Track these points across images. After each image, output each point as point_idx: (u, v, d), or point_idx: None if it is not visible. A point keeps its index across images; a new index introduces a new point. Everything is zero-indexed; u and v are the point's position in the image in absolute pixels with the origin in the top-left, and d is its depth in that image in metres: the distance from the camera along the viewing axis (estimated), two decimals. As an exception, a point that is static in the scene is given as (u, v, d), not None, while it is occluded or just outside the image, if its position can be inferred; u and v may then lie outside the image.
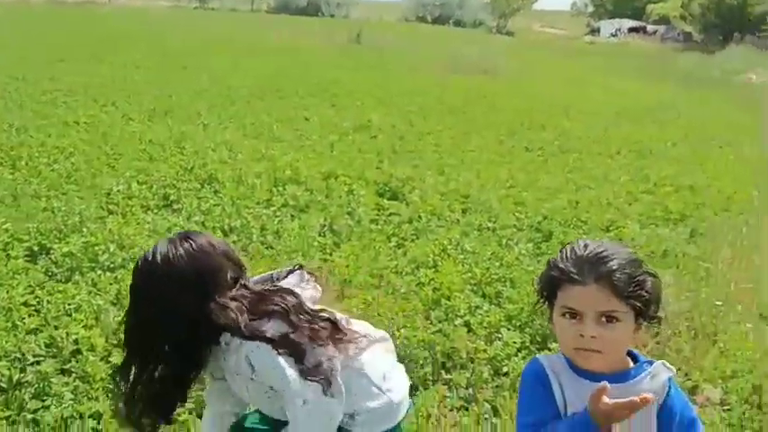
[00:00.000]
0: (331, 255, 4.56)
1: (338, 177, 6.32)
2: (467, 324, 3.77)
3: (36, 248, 4.19)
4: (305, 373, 1.79)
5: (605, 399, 1.32)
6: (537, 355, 1.61)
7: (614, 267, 1.41)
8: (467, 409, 3.13)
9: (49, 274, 3.86)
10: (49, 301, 3.42)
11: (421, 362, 3.42)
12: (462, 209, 5.78)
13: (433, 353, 3.49)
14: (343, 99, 11.47)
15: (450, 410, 3.16)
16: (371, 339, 2.02)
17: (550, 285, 1.49)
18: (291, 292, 1.92)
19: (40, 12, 28.29)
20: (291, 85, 12.57)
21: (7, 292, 3.48)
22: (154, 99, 10.08)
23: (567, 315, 1.44)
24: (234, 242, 4.53)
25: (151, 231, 4.53)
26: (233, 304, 1.82)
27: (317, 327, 1.86)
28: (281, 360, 1.79)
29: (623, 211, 6.08)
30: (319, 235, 4.93)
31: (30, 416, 2.62)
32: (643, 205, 6.30)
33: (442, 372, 3.42)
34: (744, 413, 3.08)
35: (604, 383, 1.34)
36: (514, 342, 3.56)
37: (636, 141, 9.67)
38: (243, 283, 1.93)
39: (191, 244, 1.86)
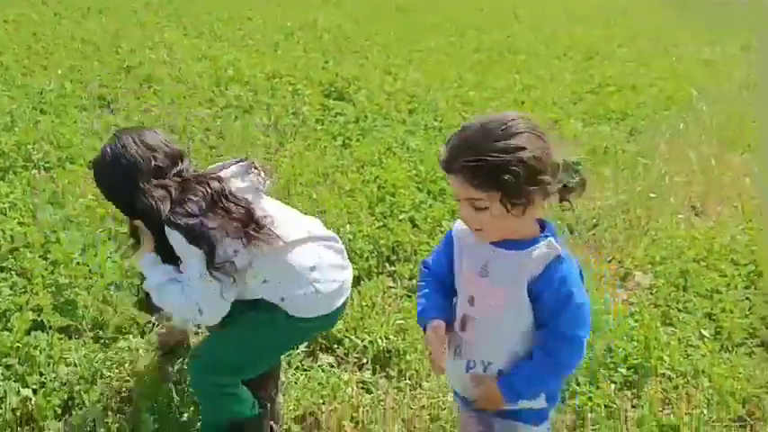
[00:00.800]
0: (275, 153, 4.51)
1: (282, 77, 6.17)
2: (411, 220, 3.83)
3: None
4: (210, 267, 1.93)
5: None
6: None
7: (469, 160, 1.46)
8: (410, 297, 3.23)
9: (-19, 174, 3.73)
10: (-19, 201, 3.33)
11: (366, 255, 3.49)
12: (409, 109, 5.75)
13: (377, 246, 3.56)
14: (288, -2, 11.05)
15: (394, 299, 3.26)
16: (305, 238, 2.12)
17: None
18: (218, 179, 2.00)
19: None
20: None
21: None
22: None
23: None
24: (177, 140, 4.43)
25: (87, 131, 4.38)
26: (157, 192, 1.94)
27: (232, 215, 1.95)
28: (192, 250, 1.92)
29: (567, 110, 6.14)
30: (263, 135, 4.85)
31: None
32: (586, 104, 6.37)
33: (387, 264, 3.50)
34: (670, 294, 3.26)
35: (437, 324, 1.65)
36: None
37: (583, 43, 9.65)
38: (176, 171, 2.01)
39: (116, 142, 2.02)
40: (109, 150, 2.02)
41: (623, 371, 2.70)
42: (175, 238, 1.93)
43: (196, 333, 2.73)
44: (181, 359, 2.61)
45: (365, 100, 5.71)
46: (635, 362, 2.74)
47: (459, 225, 1.67)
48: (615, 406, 2.59)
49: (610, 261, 3.71)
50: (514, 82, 7.09)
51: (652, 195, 4.30)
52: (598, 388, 2.67)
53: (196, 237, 1.91)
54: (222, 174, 2.06)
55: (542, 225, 1.62)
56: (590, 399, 2.60)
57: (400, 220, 3.77)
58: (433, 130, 5.23)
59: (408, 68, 7.09)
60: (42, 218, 3.12)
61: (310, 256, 2.09)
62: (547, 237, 1.58)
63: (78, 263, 2.86)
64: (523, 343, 1.63)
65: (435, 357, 1.63)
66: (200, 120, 4.86)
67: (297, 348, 2.70)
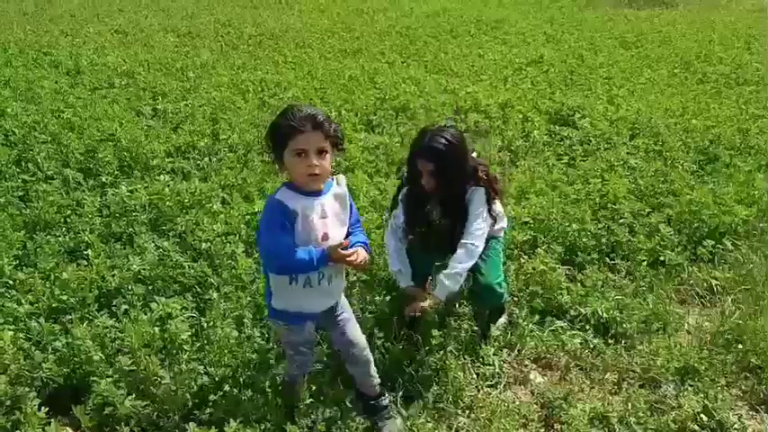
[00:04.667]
0: (509, 168, 5.36)
1: (514, 107, 7.02)
2: (630, 226, 4.44)
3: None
4: (490, 212, 3.22)
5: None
6: (271, 194, 2.47)
7: (325, 121, 2.35)
8: (629, 283, 3.87)
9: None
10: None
11: (589, 250, 4.19)
12: (630, 134, 6.28)
13: (599, 244, 4.23)
14: (514, 37, 11.93)
15: (613, 285, 3.91)
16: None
17: (282, 139, 2.35)
18: (486, 165, 3.35)
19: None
20: (462, 24, 13.19)
21: (271, 186, 4.69)
22: (342, 41, 11.22)
23: (297, 155, 2.33)
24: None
25: (362, 147, 5.58)
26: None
27: (497, 189, 3.31)
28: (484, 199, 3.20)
29: (794, 137, 6.24)
30: (499, 154, 5.73)
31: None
32: (817, 133, 6.40)
33: (607, 258, 4.16)
34: None
35: (342, 243, 2.43)
36: (671, 238, 4.21)
37: (823, 73, 9.32)
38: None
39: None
40: (452, 138, 3.08)
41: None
42: (479, 195, 3.17)
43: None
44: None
45: (589, 126, 6.36)
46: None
47: (280, 194, 2.41)
48: None
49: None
50: (740, 112, 7.24)
51: None
52: None
53: (488, 193, 3.18)
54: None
55: None
56: None
57: (619, 224, 4.40)
58: (653, 153, 5.74)
59: (631, 99, 7.58)
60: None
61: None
62: (331, 178, 2.52)
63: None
64: None
65: None
66: (448, 140, 5.87)
67: None
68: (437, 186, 3.12)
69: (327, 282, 2.55)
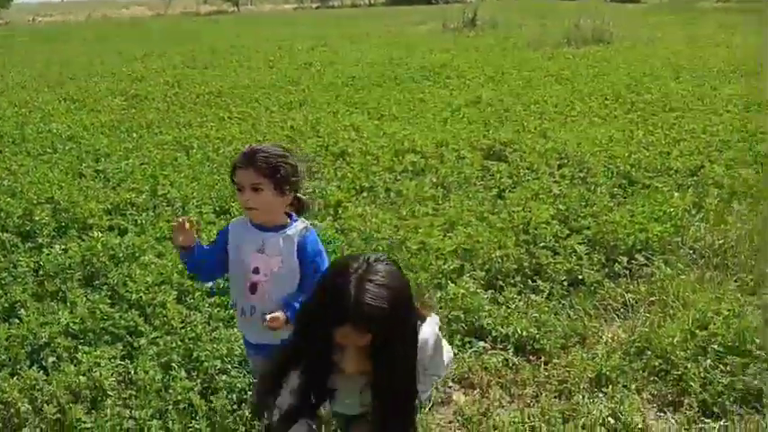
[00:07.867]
0: (441, 203, 5.59)
1: (449, 146, 7.30)
2: (552, 249, 4.66)
3: (218, 209, 5.55)
4: None
5: None
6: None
7: (259, 159, 2.45)
8: (548, 306, 4.06)
9: (231, 224, 5.17)
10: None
11: (512, 273, 4.39)
12: (558, 164, 6.58)
13: (521, 267, 4.44)
14: (456, 80, 12.36)
15: (534, 305, 4.10)
16: None
17: (231, 174, 2.56)
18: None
19: (177, 22, 31.20)
20: (407, 71, 13.62)
21: (206, 236, 4.82)
22: (288, 94, 11.51)
23: (237, 189, 2.51)
24: (365, 197, 5.70)
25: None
26: None
27: None
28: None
29: (712, 157, 6.61)
30: (433, 190, 5.96)
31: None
32: (734, 152, 6.78)
33: (530, 281, 4.36)
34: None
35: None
36: (588, 256, 4.44)
37: (744, 96, 9.85)
38: None
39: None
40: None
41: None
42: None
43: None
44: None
45: (518, 159, 6.65)
46: None
47: (235, 221, 2.64)
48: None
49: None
50: (664, 137, 7.62)
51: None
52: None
53: None
54: None
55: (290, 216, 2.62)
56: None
57: (542, 248, 4.62)
58: (578, 180, 6.02)
59: (561, 131, 7.93)
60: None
61: None
62: (295, 221, 2.58)
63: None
64: (291, 290, 2.56)
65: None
66: (384, 181, 6.10)
67: None
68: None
69: (261, 317, 2.49)
